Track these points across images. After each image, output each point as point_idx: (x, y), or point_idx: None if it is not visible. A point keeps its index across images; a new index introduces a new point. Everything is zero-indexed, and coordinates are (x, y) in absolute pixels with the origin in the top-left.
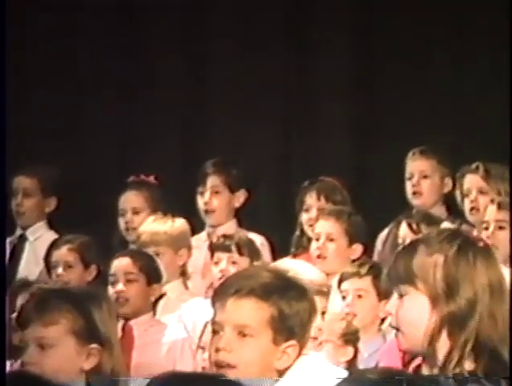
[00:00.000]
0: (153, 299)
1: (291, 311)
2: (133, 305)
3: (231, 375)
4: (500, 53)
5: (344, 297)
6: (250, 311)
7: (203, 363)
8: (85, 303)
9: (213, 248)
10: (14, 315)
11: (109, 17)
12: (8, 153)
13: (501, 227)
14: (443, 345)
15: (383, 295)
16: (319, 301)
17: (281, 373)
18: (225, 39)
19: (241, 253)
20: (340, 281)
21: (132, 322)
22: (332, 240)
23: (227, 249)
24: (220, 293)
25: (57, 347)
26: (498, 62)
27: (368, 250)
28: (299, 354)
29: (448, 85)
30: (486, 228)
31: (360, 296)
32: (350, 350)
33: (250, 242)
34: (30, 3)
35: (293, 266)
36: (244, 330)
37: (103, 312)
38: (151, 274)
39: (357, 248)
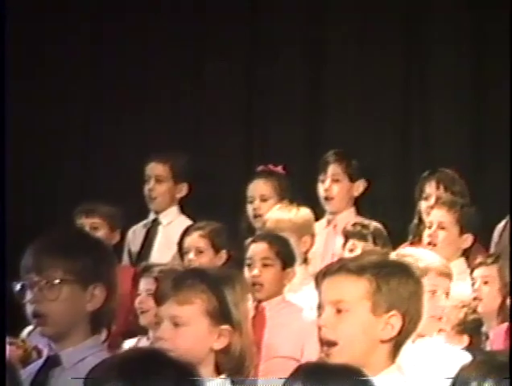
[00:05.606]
0: (286, 283)
1: (388, 286)
2: (267, 290)
3: (335, 351)
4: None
5: (472, 285)
6: (343, 286)
7: None
8: (220, 285)
9: (348, 235)
10: (144, 294)
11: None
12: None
13: (442, 228)
14: None
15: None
16: (442, 281)
17: (386, 343)
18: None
19: (375, 243)
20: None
21: (265, 303)
22: (443, 228)
23: (364, 238)
24: (318, 277)
25: (190, 326)
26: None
27: (481, 240)
28: (404, 326)
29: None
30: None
31: (486, 282)
32: (465, 338)
33: (382, 232)
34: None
35: (413, 252)
36: (339, 305)
37: (236, 294)
38: (287, 259)
39: (468, 238)
